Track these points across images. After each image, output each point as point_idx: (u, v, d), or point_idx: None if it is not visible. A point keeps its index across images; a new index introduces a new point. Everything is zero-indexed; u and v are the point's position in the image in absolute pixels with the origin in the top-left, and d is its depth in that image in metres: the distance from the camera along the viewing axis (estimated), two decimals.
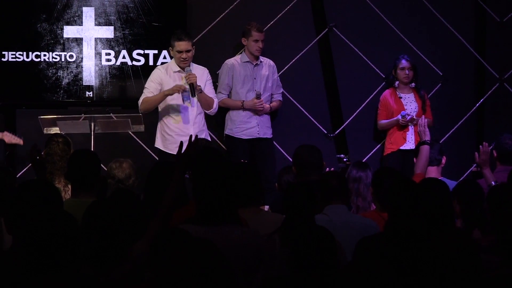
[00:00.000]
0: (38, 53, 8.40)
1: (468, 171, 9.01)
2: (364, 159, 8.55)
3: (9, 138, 7.96)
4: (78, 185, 4.79)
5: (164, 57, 8.48)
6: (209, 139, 7.77)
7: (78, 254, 3.16)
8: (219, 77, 8.42)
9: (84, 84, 8.45)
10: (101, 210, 3.56)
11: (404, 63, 8.64)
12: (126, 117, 7.87)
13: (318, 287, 3.57)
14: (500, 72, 9.26)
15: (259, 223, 4.70)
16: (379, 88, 8.95)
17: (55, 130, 7.78)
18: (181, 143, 4.08)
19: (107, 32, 8.50)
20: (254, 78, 8.39)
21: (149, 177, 5.10)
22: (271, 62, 8.56)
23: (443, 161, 7.06)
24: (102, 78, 8.48)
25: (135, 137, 8.57)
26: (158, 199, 3.97)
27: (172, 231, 3.48)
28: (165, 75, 7.89)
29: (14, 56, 8.38)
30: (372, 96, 8.96)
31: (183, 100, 7.83)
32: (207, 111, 7.98)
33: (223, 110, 8.35)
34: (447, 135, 9.08)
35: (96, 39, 8.48)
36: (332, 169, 6.95)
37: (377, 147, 8.93)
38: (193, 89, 7.69)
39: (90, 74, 8.46)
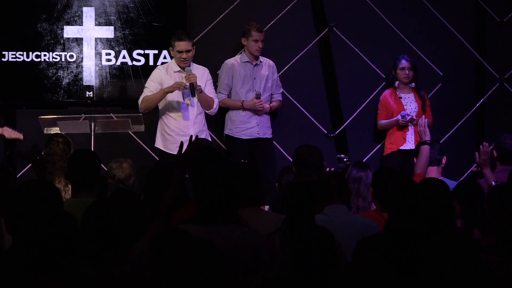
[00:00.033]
0: (38, 53, 8.41)
1: (468, 171, 9.02)
2: (364, 159, 8.55)
3: (9, 133, 7.97)
4: (78, 185, 4.79)
5: (164, 57, 8.48)
6: (210, 139, 7.77)
7: (78, 254, 3.16)
8: (219, 77, 8.42)
9: (84, 84, 8.45)
10: (101, 210, 3.56)
11: (404, 63, 8.64)
12: (126, 117, 7.87)
13: (318, 287, 3.57)
14: (500, 72, 9.26)
15: (259, 223, 4.70)
16: (379, 88, 8.95)
17: (55, 130, 7.78)
18: (182, 143, 4.09)
19: (107, 32, 8.50)
20: (254, 78, 8.39)
21: (149, 177, 5.10)
22: (271, 62, 8.56)
23: (444, 161, 7.06)
24: (102, 78, 8.48)
25: (135, 137, 8.57)
26: (158, 199, 3.97)
27: (172, 231, 3.48)
28: (165, 75, 7.89)
29: (14, 56, 8.39)
30: (372, 96, 8.96)
31: (183, 98, 7.82)
32: (207, 111, 7.98)
33: (223, 110, 8.35)
34: (447, 135, 9.08)
35: (96, 39, 8.48)
36: (333, 169, 6.95)
37: (377, 147, 8.93)
38: (193, 89, 7.69)
39: (90, 74, 8.46)
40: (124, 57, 8.50)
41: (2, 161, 8.32)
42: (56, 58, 8.42)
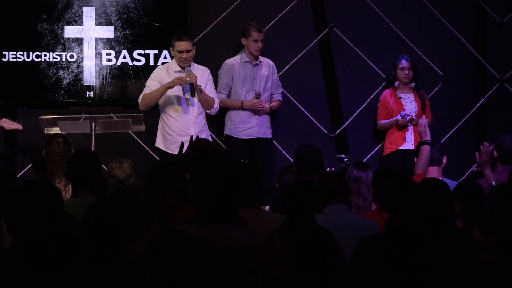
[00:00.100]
0: (39, 53, 8.41)
1: (469, 171, 9.02)
2: (365, 159, 8.55)
3: (8, 124, 7.97)
4: (78, 185, 4.79)
5: (165, 57, 8.48)
6: (210, 139, 7.78)
7: (78, 254, 3.16)
8: (218, 77, 8.42)
9: (84, 84, 8.45)
10: (102, 210, 3.56)
11: (404, 63, 8.64)
12: (127, 117, 7.87)
13: (318, 287, 3.57)
14: (500, 72, 9.26)
15: (259, 223, 4.70)
16: (379, 88, 8.95)
17: (55, 130, 7.77)
18: (182, 143, 4.09)
19: (108, 32, 8.50)
20: (253, 78, 8.39)
21: (150, 177, 5.10)
22: (271, 62, 8.56)
23: (444, 161, 7.06)
24: (103, 78, 8.48)
25: (135, 137, 8.58)
26: (158, 199, 3.97)
27: (172, 231, 3.48)
28: (165, 74, 7.88)
29: (14, 56, 8.39)
30: (372, 96, 8.96)
31: (183, 93, 7.81)
32: (207, 111, 7.97)
33: (223, 110, 8.35)
34: (447, 135, 9.08)
35: (96, 39, 8.49)
36: (333, 169, 6.96)
37: (378, 147, 8.93)
38: (193, 89, 7.69)
39: (90, 74, 8.46)
40: (124, 57, 8.50)
41: (2, 153, 8.34)
42: (56, 58, 8.43)
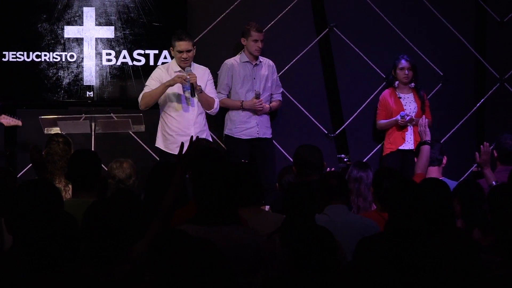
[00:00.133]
0: (39, 53, 8.41)
1: (469, 171, 9.02)
2: (365, 159, 8.55)
3: (7, 120, 7.97)
4: (78, 185, 4.79)
5: (165, 57, 8.48)
6: (210, 139, 7.77)
7: (78, 254, 3.16)
8: (218, 77, 8.42)
9: (84, 84, 8.45)
10: (102, 210, 3.56)
11: (403, 63, 8.64)
12: (127, 117, 7.87)
13: (318, 287, 3.57)
14: (500, 72, 9.26)
15: (259, 223, 4.70)
16: (379, 88, 8.95)
17: (55, 130, 7.77)
18: (182, 143, 4.09)
19: (108, 32, 8.50)
20: (253, 78, 8.39)
21: (150, 177, 5.10)
22: (271, 62, 8.56)
23: (444, 161, 7.06)
24: (103, 78, 8.48)
25: (135, 137, 8.58)
26: (158, 199, 3.97)
27: (172, 231, 3.48)
28: (166, 74, 7.88)
29: (14, 56, 8.39)
30: (372, 96, 8.96)
31: (183, 90, 7.81)
32: (208, 111, 7.97)
33: (223, 110, 8.35)
34: (447, 135, 9.08)
35: (96, 39, 8.49)
36: (333, 169, 6.96)
37: (378, 147, 8.93)
38: (193, 89, 7.69)
39: (90, 74, 8.46)
40: (124, 57, 8.50)
41: (1, 151, 8.35)
42: (56, 58, 8.43)
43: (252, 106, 8.28)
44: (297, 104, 8.90)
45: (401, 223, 4.00)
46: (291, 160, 6.65)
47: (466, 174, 8.99)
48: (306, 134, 8.74)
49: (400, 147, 8.52)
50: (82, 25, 8.47)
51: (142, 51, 8.53)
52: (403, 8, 9.15)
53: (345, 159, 8.00)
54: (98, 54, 8.48)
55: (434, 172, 6.83)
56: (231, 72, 8.34)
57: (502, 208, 4.68)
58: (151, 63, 8.48)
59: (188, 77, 7.65)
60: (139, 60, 8.52)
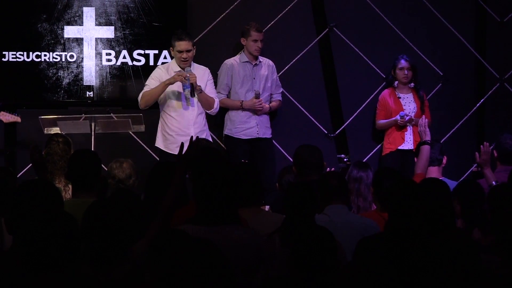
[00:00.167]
0: (39, 53, 8.41)
1: (469, 171, 9.02)
2: (365, 159, 8.56)
3: (6, 117, 7.97)
4: (78, 185, 4.79)
5: (165, 57, 8.48)
6: (210, 139, 7.77)
7: (78, 254, 3.16)
8: (218, 77, 8.42)
9: (84, 84, 8.45)
10: (102, 210, 3.56)
11: (403, 63, 8.64)
12: (127, 117, 7.87)
13: (318, 287, 3.57)
14: (500, 72, 9.26)
15: (259, 223, 4.70)
16: (379, 88, 8.95)
17: (55, 130, 7.77)
18: (182, 144, 4.09)
19: (108, 32, 8.50)
20: (253, 78, 8.39)
21: (150, 177, 5.10)
22: (270, 62, 8.56)
23: (444, 161, 7.06)
24: (103, 78, 8.48)
25: (135, 137, 8.58)
26: (158, 199, 3.97)
27: (172, 231, 3.48)
28: (165, 74, 7.88)
29: (14, 56, 8.39)
30: (372, 96, 8.96)
31: (183, 89, 7.80)
32: (208, 111, 7.97)
33: (223, 110, 8.35)
34: (447, 135, 9.08)
35: (96, 39, 8.49)
36: (333, 169, 6.96)
37: (378, 147, 8.92)
38: (193, 89, 7.69)
39: (90, 74, 8.46)
40: (124, 57, 8.50)
41: (1, 149, 8.35)
42: (56, 58, 8.43)
43: (252, 106, 8.28)
44: (297, 104, 8.90)
45: (401, 223, 4.00)
46: (291, 160, 6.65)
47: (466, 174, 8.99)
48: (306, 134, 8.74)
49: (399, 147, 8.52)
50: (82, 25, 8.46)
51: (142, 51, 8.53)
52: (403, 8, 9.15)
53: (345, 159, 8.00)
54: (98, 54, 8.48)
55: (434, 172, 6.83)
56: (231, 72, 8.34)
57: (502, 208, 4.69)
58: (151, 63, 8.48)
59: (187, 75, 7.65)
60: (139, 60, 8.52)
